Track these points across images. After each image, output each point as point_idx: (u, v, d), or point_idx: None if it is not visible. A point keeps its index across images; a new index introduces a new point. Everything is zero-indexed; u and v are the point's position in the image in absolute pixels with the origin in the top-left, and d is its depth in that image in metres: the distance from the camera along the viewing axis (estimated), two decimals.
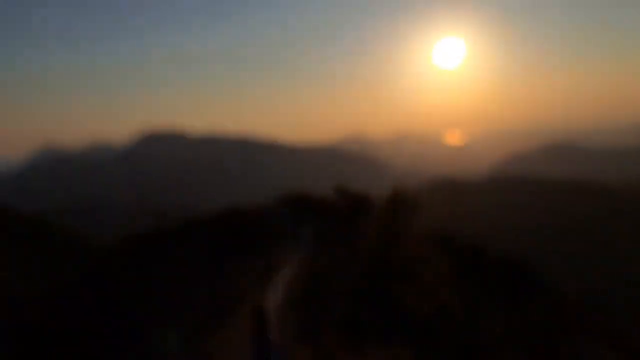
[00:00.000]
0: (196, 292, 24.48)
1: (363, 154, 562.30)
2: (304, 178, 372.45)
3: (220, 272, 28.08)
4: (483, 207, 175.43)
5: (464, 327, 16.95)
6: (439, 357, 14.54)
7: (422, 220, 38.90)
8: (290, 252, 31.46)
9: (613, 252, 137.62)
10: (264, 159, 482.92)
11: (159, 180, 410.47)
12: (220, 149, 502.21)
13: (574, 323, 19.87)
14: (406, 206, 34.65)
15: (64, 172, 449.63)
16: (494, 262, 29.95)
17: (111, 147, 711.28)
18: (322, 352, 14.73)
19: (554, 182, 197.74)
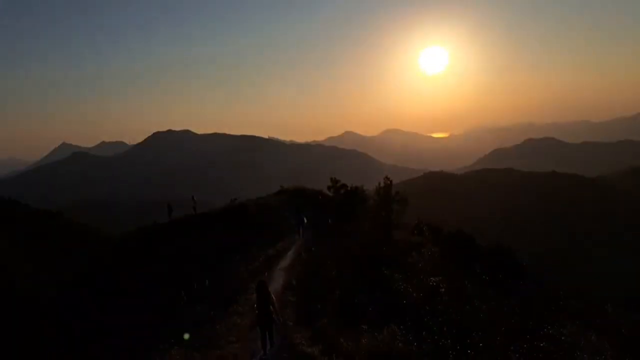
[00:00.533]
0: (201, 282, 24.28)
1: (356, 150, 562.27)
2: (302, 172, 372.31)
3: (224, 262, 27.96)
4: (469, 198, 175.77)
5: (454, 311, 16.87)
6: (431, 337, 14.45)
7: (412, 211, 38.85)
8: (289, 242, 31.37)
9: (597, 242, 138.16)
10: (264, 154, 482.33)
11: (167, 175, 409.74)
12: (224, 146, 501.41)
13: (562, 310, 19.81)
14: (397, 197, 34.63)
15: (79, 169, 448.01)
16: (481, 250, 29.92)
17: (122, 144, 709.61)
18: (319, 333, 14.67)
19: (537, 174, 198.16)
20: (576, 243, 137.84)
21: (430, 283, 19.54)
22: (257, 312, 13.87)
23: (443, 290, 18.96)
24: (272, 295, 14.16)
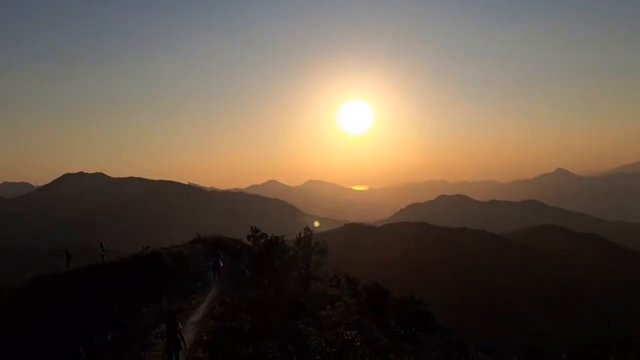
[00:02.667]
0: (105, 336, 22.47)
1: (279, 199, 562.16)
2: (221, 221, 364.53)
3: (132, 315, 26.13)
4: (386, 249, 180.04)
5: None
6: None
7: (331, 261, 38.97)
8: (203, 293, 30.10)
9: (501, 295, 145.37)
10: (182, 202, 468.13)
11: (74, 220, 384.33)
12: (138, 192, 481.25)
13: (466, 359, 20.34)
14: (317, 248, 34.65)
15: None
16: (396, 303, 30.38)
17: (27, 186, 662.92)
18: None
19: (449, 229, 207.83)
20: (485, 295, 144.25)
21: (345, 337, 19.37)
22: (165, 339, 15.56)
23: (358, 344, 18.84)
24: (180, 325, 15.87)
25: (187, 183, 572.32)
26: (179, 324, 15.80)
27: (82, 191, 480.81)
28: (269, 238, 42.34)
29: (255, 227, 45.27)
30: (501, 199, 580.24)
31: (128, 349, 19.85)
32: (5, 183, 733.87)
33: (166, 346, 15.46)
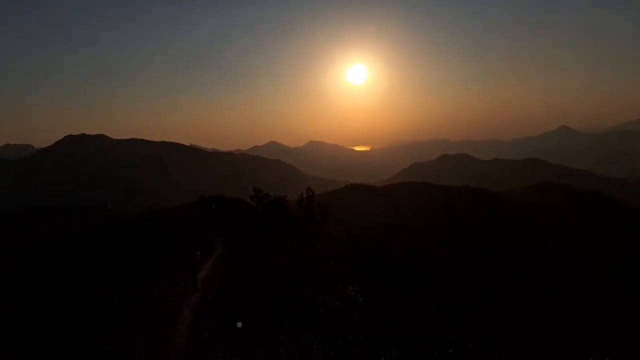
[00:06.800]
0: (109, 298, 23.02)
1: (280, 160, 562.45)
2: (224, 181, 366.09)
3: (132, 276, 26.69)
4: (388, 209, 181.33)
5: (369, 319, 17.24)
6: (347, 346, 14.66)
7: (334, 221, 39.44)
8: (209, 253, 30.65)
9: (502, 254, 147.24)
10: (184, 163, 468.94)
11: (76, 181, 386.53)
12: (140, 153, 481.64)
13: (463, 317, 20.90)
14: (319, 208, 35.03)
15: None
16: (397, 260, 30.92)
17: (29, 147, 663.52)
18: (233, 347, 14.42)
19: (451, 188, 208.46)
20: (485, 254, 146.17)
21: (348, 293, 19.88)
22: (187, 268, 21.67)
23: (360, 300, 19.36)
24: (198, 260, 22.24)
25: (189, 144, 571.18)
26: (198, 259, 21.85)
27: (84, 152, 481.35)
28: (272, 198, 42.73)
29: (257, 187, 45.58)
30: (504, 157, 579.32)
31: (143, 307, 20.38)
32: (7, 145, 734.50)
33: (185, 272, 21.23)
